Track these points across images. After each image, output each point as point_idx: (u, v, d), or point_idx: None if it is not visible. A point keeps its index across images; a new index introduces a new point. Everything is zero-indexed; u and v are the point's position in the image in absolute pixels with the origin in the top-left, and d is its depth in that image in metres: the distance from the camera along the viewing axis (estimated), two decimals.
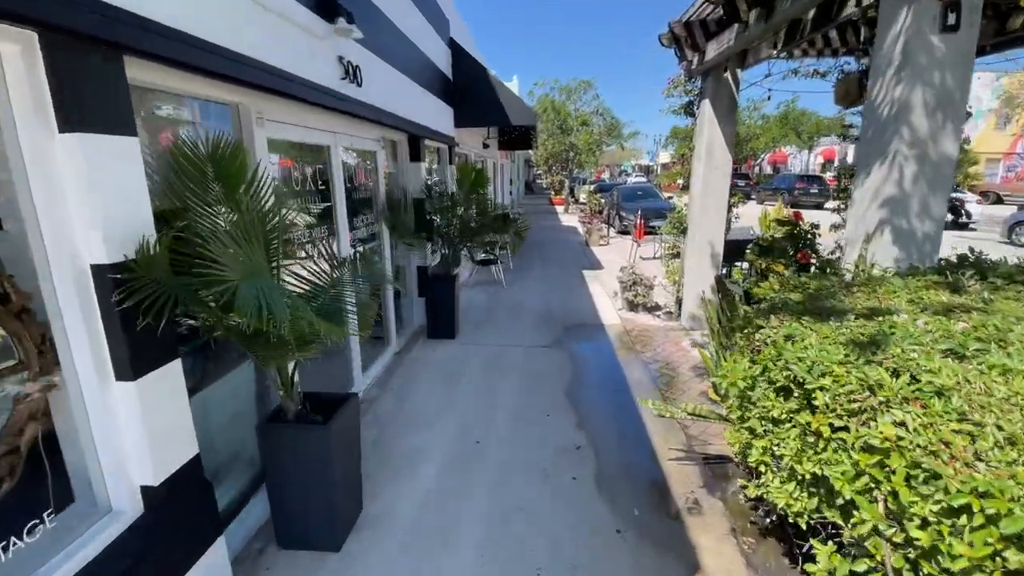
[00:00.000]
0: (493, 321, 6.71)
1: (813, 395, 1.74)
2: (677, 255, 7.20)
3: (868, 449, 1.48)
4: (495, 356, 5.41)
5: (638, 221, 14.58)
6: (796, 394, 1.85)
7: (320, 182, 3.80)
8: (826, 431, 1.65)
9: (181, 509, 1.94)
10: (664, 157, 60.07)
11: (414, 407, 4.23)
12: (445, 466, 3.39)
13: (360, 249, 4.44)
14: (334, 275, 2.58)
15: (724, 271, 6.04)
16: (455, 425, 3.92)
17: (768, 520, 2.76)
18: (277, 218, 2.19)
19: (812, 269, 4.48)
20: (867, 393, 1.62)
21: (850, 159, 37.92)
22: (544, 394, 4.46)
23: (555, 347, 5.68)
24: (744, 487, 2.74)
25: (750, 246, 5.25)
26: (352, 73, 3.49)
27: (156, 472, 1.82)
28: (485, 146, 12.07)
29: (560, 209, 25.07)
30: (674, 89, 6.36)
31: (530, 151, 31.24)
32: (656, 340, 5.85)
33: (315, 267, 2.57)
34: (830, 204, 26.80)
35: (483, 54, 13.04)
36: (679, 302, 6.57)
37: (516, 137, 14.29)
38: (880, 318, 2.06)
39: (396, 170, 5.93)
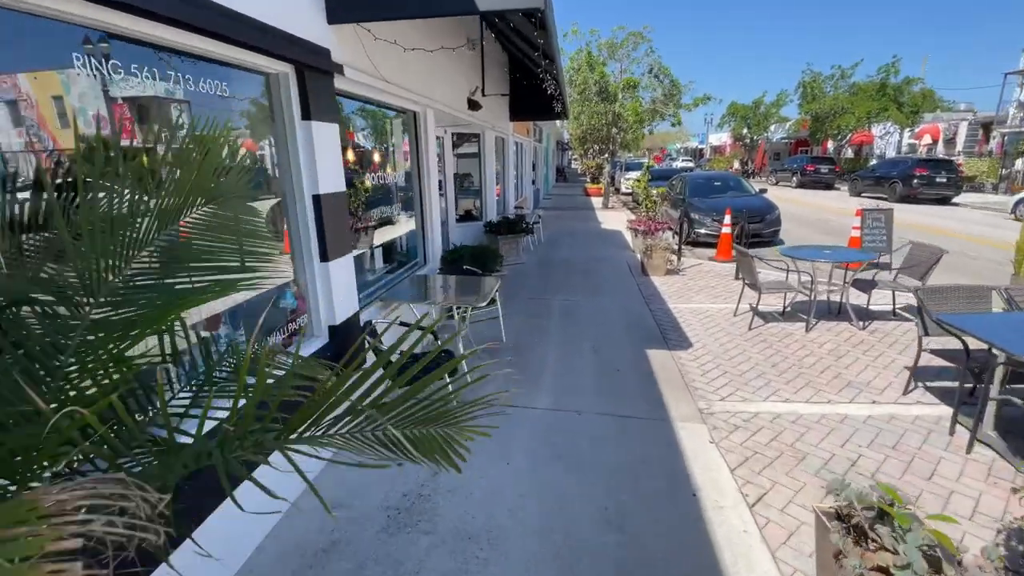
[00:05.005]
0: None
1: None
2: None
3: None
4: None
5: (723, 229, 9.24)
6: None
7: None
8: None
9: None
10: (716, 139, 53.09)
11: None
12: None
13: None
14: None
15: None
16: None
17: None
18: None
19: None
20: None
21: (961, 139, 30.55)
22: None
23: None
24: None
25: None
26: None
27: None
28: (474, 106, 6.94)
29: (597, 202, 19.68)
30: None
31: (562, 127, 25.76)
32: None
33: None
34: (963, 198, 20.37)
35: None
36: None
37: (531, 93, 9.12)
38: None
39: None
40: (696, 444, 3.28)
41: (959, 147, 29.02)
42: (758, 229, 9.89)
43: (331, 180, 3.10)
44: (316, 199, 3.00)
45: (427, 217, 5.31)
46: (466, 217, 9.24)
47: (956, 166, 19.18)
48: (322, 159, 2.99)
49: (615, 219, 14.75)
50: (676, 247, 8.38)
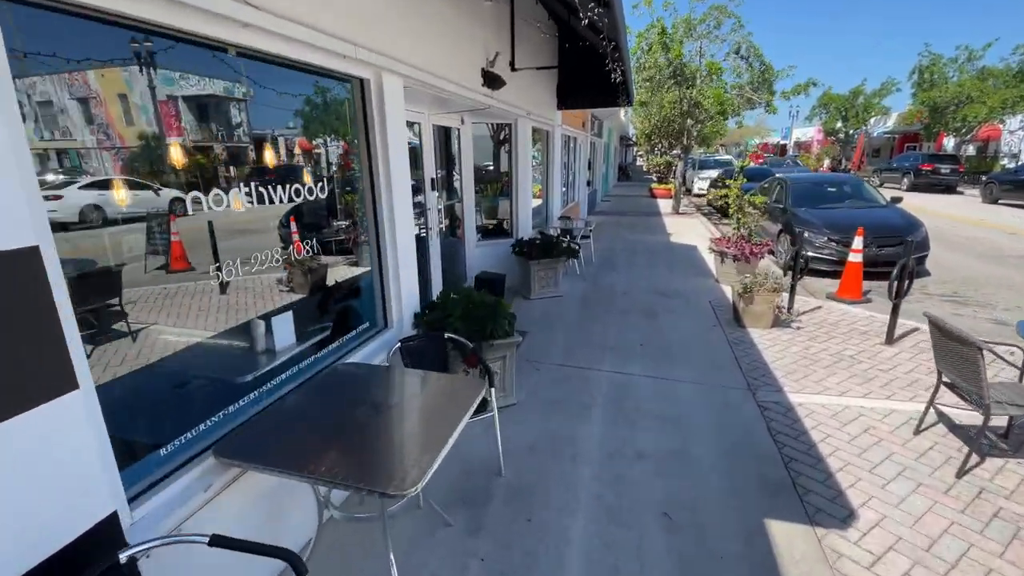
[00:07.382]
0: None
1: None
2: None
3: None
4: None
5: (849, 255, 6.60)
6: None
7: None
8: None
9: None
10: (800, 134, 47.72)
11: None
12: None
13: None
14: None
15: None
16: None
17: None
18: None
19: None
20: None
21: None
22: None
23: None
24: None
25: None
26: None
27: None
28: (492, 82, 4.80)
29: (665, 205, 16.94)
30: None
31: (627, 121, 23.10)
32: None
33: None
34: None
35: None
36: None
37: (586, 74, 6.97)
38: None
39: None
40: None
41: None
42: (895, 255, 7.11)
43: None
44: None
45: (389, 252, 3.25)
46: (497, 231, 7.16)
47: None
48: None
49: (688, 228, 12.14)
50: (788, 284, 5.83)
